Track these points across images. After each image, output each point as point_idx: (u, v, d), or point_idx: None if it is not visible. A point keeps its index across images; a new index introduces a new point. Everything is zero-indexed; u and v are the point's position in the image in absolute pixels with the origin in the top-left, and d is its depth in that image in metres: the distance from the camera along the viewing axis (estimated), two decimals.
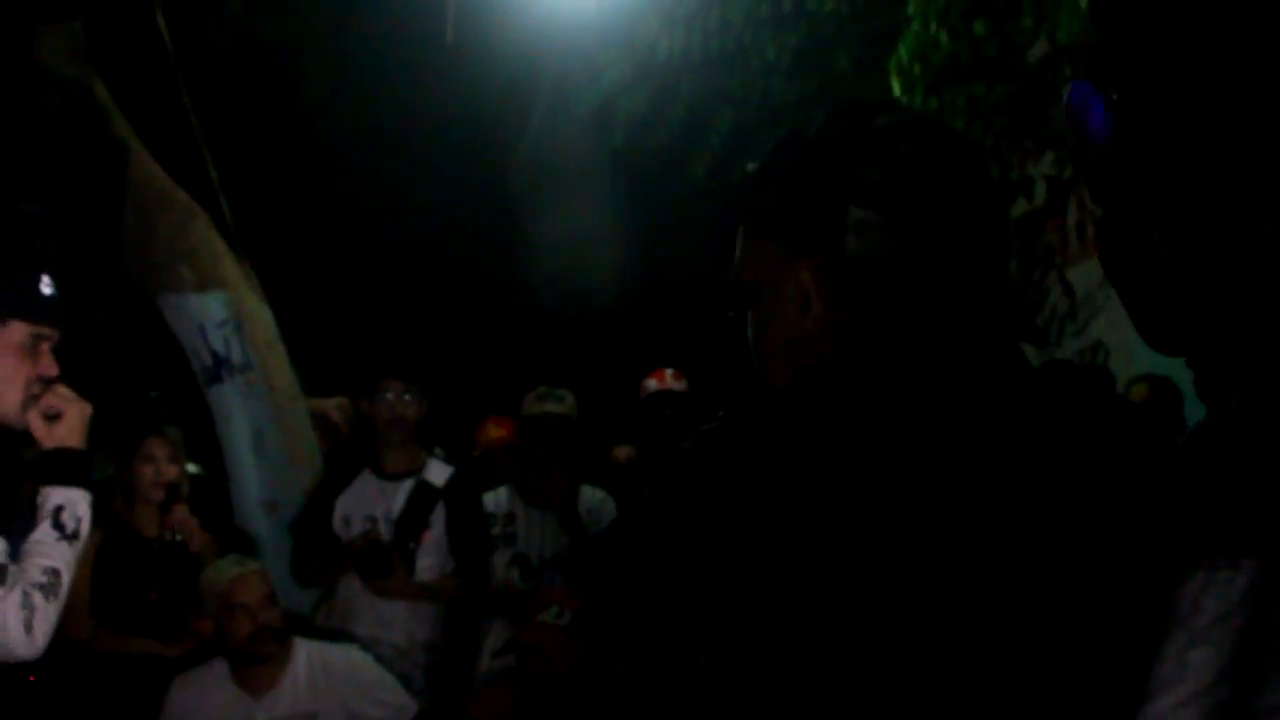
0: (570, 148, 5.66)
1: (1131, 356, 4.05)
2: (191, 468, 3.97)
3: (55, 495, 2.16)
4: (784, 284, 1.02)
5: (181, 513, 3.61)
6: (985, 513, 0.83)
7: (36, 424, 2.17)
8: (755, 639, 0.89)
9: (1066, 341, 4.74)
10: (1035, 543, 0.83)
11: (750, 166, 1.09)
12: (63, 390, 2.19)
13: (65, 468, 2.19)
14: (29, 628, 2.03)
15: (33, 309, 2.15)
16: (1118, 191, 0.68)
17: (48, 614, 2.05)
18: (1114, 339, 4.55)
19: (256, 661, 3.10)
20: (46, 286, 2.17)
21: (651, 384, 4.36)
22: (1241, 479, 0.62)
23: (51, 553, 2.10)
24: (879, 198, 0.97)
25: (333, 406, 4.52)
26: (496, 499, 3.99)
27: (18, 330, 2.15)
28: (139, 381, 4.31)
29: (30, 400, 2.17)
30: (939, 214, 0.98)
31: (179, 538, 3.58)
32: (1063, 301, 4.79)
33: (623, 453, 4.99)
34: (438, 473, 3.78)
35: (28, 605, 2.03)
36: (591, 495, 4.04)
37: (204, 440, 4.33)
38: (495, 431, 4.63)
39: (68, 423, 2.18)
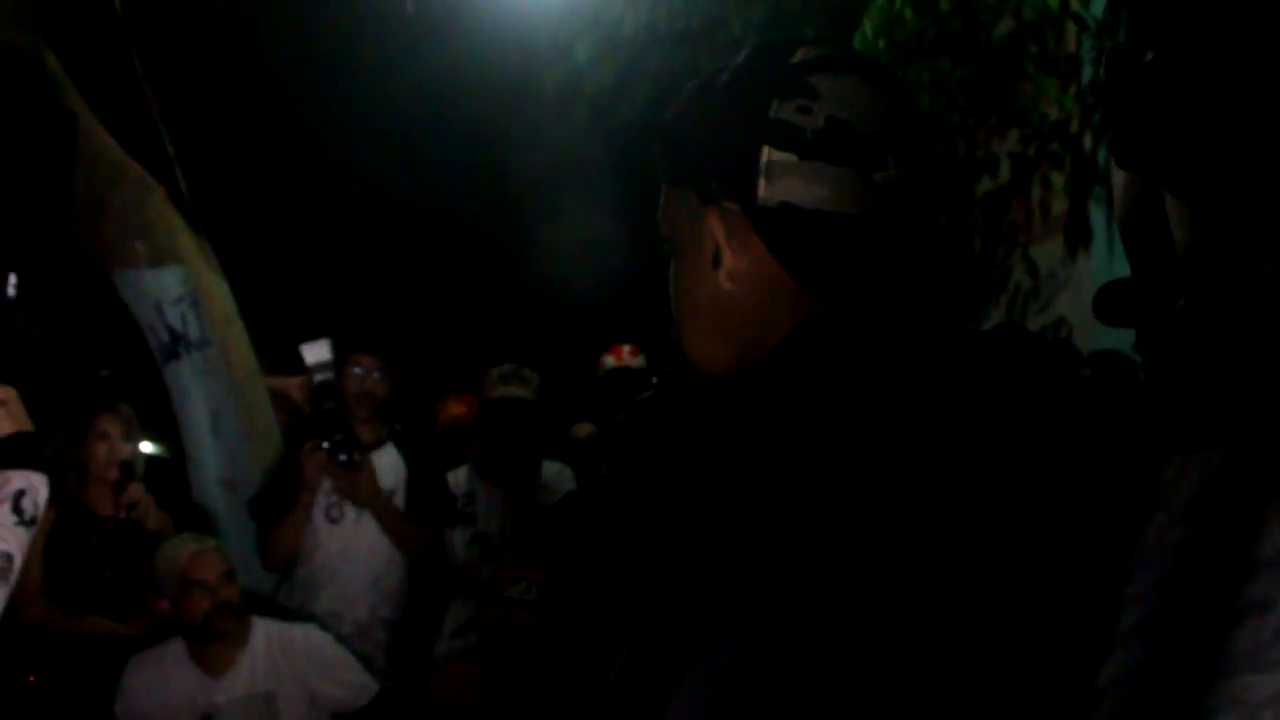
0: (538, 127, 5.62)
1: (1093, 333, 4.08)
2: (148, 446, 3.92)
3: (17, 479, 2.13)
4: (697, 235, 0.93)
5: (136, 491, 3.58)
6: (956, 504, 0.77)
7: None
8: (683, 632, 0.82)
9: (1030, 318, 4.76)
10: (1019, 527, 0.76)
11: (664, 115, 1.00)
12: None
13: (22, 451, 2.16)
14: None
15: None
16: (1145, 155, 0.67)
17: None
18: (1076, 316, 4.57)
19: (214, 640, 3.07)
20: (12, 289, 2.14)
21: (609, 361, 4.34)
22: (1199, 373, 0.62)
23: (8, 536, 2.08)
24: (793, 137, 0.88)
25: (295, 385, 4.47)
26: (456, 478, 3.96)
27: None
28: (92, 359, 4.24)
29: None
30: (861, 154, 0.89)
31: (134, 516, 3.54)
32: (1025, 279, 4.81)
33: (583, 430, 4.98)
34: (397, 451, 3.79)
35: None
36: (549, 467, 4.03)
37: (161, 418, 4.27)
38: (456, 409, 4.60)
39: (9, 409, 2.16)
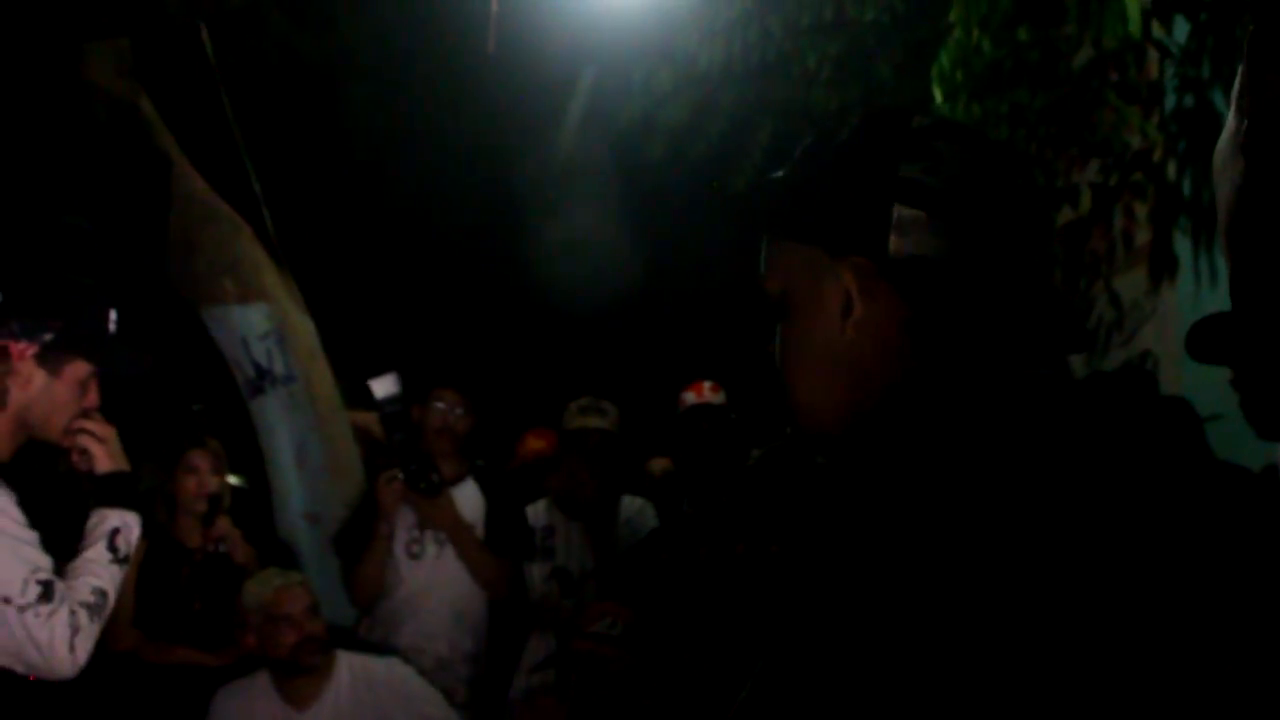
0: (602, 159, 5.67)
1: (1180, 366, 3.98)
2: (234, 480, 4.00)
3: (112, 518, 2.19)
4: (820, 289, 0.97)
5: (224, 524, 3.65)
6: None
7: (78, 458, 2.22)
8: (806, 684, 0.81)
9: (1114, 351, 4.67)
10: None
11: (775, 174, 1.04)
12: (91, 425, 2.24)
13: (119, 490, 2.22)
14: (72, 647, 2.06)
15: (99, 351, 2.21)
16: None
17: (91, 633, 2.08)
18: (1162, 348, 4.48)
19: (300, 673, 3.11)
20: (112, 324, 2.22)
21: (689, 397, 4.33)
22: None
23: (102, 574, 2.14)
24: (922, 195, 0.94)
25: (375, 420, 4.54)
26: (536, 512, 3.99)
27: (82, 369, 2.21)
28: (183, 394, 4.34)
29: (69, 435, 2.22)
30: (983, 212, 0.95)
31: (222, 549, 3.60)
32: (1109, 310, 4.72)
33: (659, 465, 4.97)
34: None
35: (74, 624, 2.06)
36: (630, 504, 4.03)
37: (247, 452, 4.35)
38: (535, 444, 4.63)
39: (109, 447, 2.23)
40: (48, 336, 2.19)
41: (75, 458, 2.25)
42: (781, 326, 1.01)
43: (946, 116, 1.01)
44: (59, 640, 2.04)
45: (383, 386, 3.69)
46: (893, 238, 0.93)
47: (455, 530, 3.70)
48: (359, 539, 3.73)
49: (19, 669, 2.05)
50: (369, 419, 4.48)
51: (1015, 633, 0.71)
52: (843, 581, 0.80)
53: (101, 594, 2.13)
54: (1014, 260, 0.95)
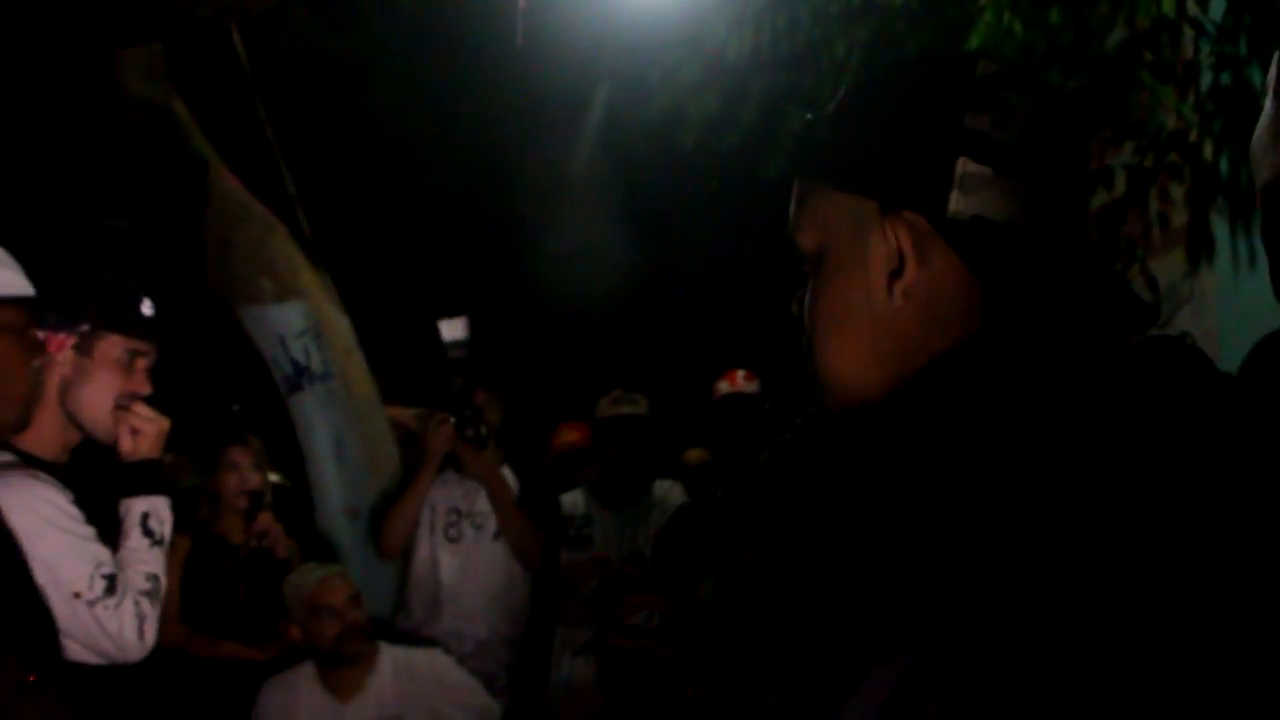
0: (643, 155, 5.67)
1: (1217, 348, 3.94)
2: (274, 476, 4.04)
3: (139, 504, 2.23)
4: (865, 247, 0.87)
5: (266, 520, 3.69)
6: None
7: (124, 439, 2.25)
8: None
9: (1151, 334, 4.62)
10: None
11: (813, 115, 0.94)
12: (141, 408, 2.27)
13: (145, 478, 2.26)
14: (141, 633, 2.12)
15: (130, 325, 2.23)
16: None
17: (154, 618, 2.15)
18: (1199, 330, 4.43)
19: (344, 664, 3.15)
20: (147, 308, 2.25)
21: (723, 386, 4.34)
22: None
23: (148, 558, 2.19)
24: (990, 150, 0.84)
25: (411, 417, 4.58)
26: (573, 501, 4.01)
27: (115, 345, 2.23)
28: (223, 393, 4.39)
29: (117, 413, 2.25)
30: (1052, 173, 0.86)
31: (264, 544, 3.65)
32: (1146, 294, 4.67)
33: (695, 455, 4.98)
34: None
35: (139, 612, 2.12)
36: (660, 486, 4.05)
37: (286, 449, 4.40)
38: (570, 435, 4.65)
39: (147, 438, 2.26)
40: (84, 327, 2.22)
41: (124, 442, 2.27)
42: (813, 285, 0.92)
43: (1012, 64, 0.88)
44: (128, 629, 2.11)
45: (451, 329, 3.76)
46: (955, 194, 0.84)
47: (494, 484, 3.74)
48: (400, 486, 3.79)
49: (93, 659, 2.11)
50: (404, 414, 4.52)
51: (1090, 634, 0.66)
52: (906, 573, 0.74)
53: (154, 578, 2.19)
54: (1077, 227, 0.88)
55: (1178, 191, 4.42)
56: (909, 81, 0.90)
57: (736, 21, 4.91)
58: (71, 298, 2.23)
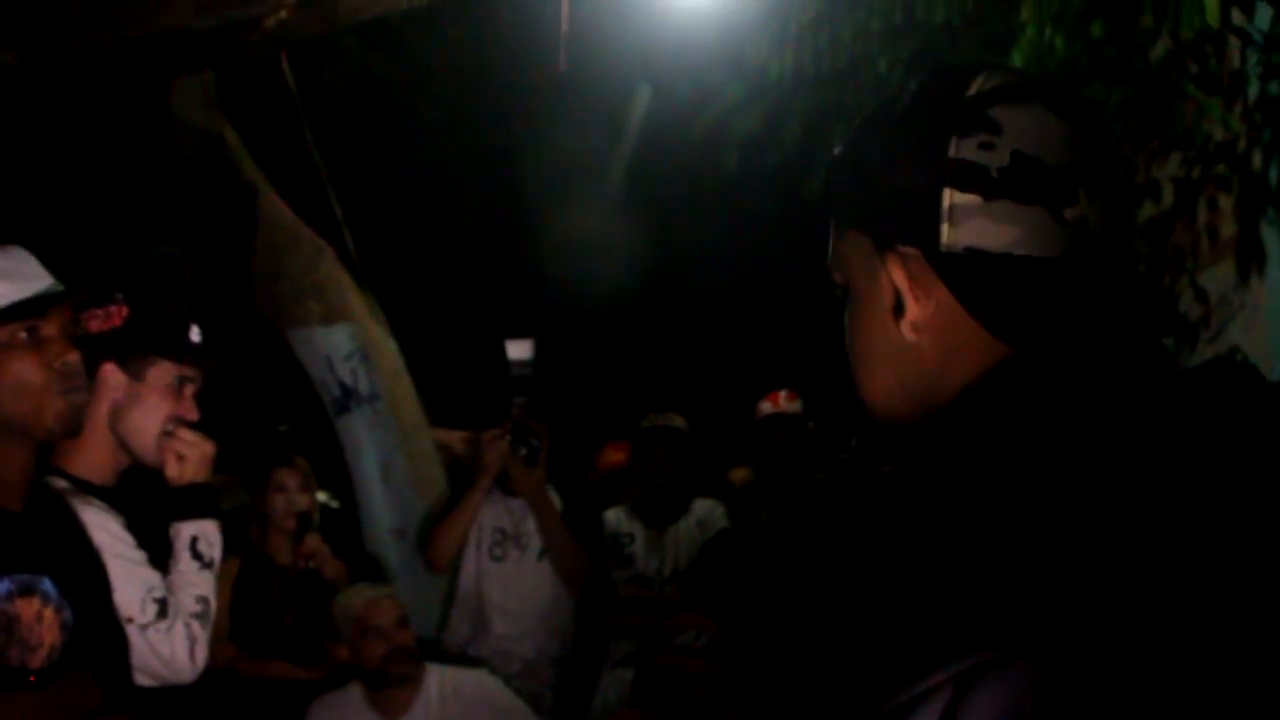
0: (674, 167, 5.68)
1: (1272, 361, 3.88)
2: (322, 497, 4.09)
3: (189, 528, 2.27)
4: (875, 284, 0.87)
5: (314, 541, 3.72)
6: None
7: (171, 464, 2.28)
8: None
9: (1201, 347, 4.56)
10: None
11: (836, 149, 0.93)
12: (187, 433, 2.30)
13: (194, 502, 2.29)
14: (193, 655, 2.15)
15: (180, 351, 2.27)
16: None
17: (205, 640, 2.18)
18: (1250, 344, 4.36)
19: (391, 684, 3.16)
20: (195, 335, 2.29)
21: (766, 407, 4.32)
22: None
23: (198, 580, 2.22)
24: (974, 177, 0.81)
25: (457, 440, 4.60)
26: (616, 519, 4.02)
27: (166, 371, 2.27)
28: (271, 414, 4.46)
29: (164, 438, 2.28)
30: (1051, 191, 0.82)
31: (312, 565, 3.68)
32: (1195, 306, 4.61)
33: (740, 475, 4.97)
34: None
35: (190, 634, 2.15)
36: (701, 505, 4.05)
37: (334, 470, 4.44)
38: (614, 455, 4.66)
39: (192, 462, 2.29)
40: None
41: (171, 467, 2.30)
42: (848, 316, 0.92)
43: (1012, 69, 0.87)
44: (180, 651, 2.14)
45: (518, 349, 3.82)
46: (944, 227, 0.82)
47: (542, 503, 3.77)
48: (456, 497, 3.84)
49: (147, 682, 2.14)
50: (450, 436, 4.56)
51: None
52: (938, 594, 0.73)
53: (204, 601, 2.21)
54: (1093, 239, 0.83)
55: (1226, 203, 4.36)
56: (896, 113, 0.88)
57: (779, 40, 4.92)
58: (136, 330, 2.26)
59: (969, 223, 0.82)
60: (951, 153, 0.83)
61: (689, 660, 3.12)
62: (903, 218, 0.84)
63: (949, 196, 0.82)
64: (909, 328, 0.86)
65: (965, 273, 0.83)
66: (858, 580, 0.84)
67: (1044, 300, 0.82)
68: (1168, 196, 4.65)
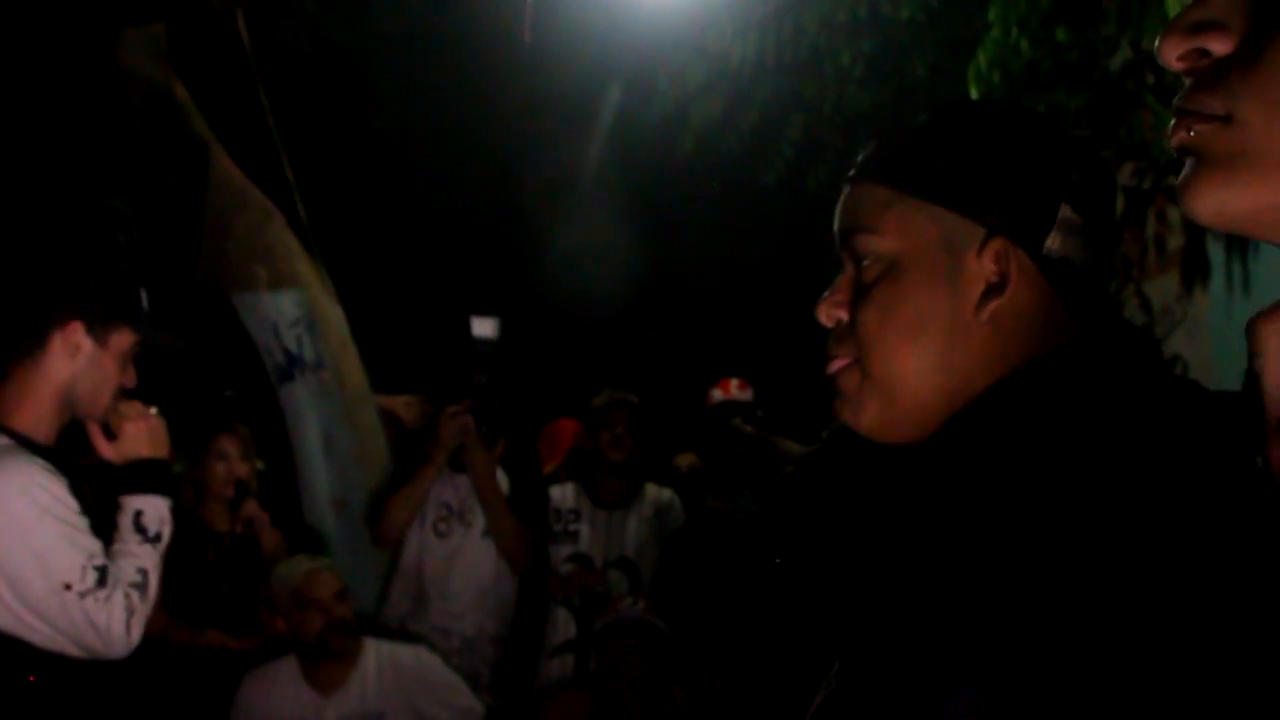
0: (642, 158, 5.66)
1: (1210, 371, 3.95)
2: (258, 464, 4.01)
3: (134, 502, 2.21)
4: (960, 262, 0.93)
5: (251, 508, 3.67)
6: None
7: (98, 435, 2.22)
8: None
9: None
10: None
11: (907, 126, 1.00)
12: (137, 406, 2.24)
13: (143, 476, 2.23)
14: (128, 628, 2.09)
15: (140, 319, 2.21)
16: None
17: (143, 614, 2.12)
18: (1192, 354, 4.45)
19: (328, 658, 3.12)
20: (144, 300, 2.23)
21: (717, 394, 4.32)
22: None
23: (139, 553, 2.16)
24: (1087, 202, 0.94)
25: (401, 404, 4.54)
26: (563, 493, 3.99)
27: (126, 337, 2.21)
28: (214, 379, 4.36)
29: (113, 410, 2.22)
30: (1112, 228, 0.97)
31: (250, 533, 3.62)
32: (1139, 315, 4.69)
33: (686, 460, 4.97)
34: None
35: (128, 605, 2.09)
36: (659, 494, 4.03)
37: (274, 438, 4.37)
38: (562, 434, 4.63)
39: (141, 436, 2.23)
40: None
41: (99, 441, 2.24)
42: (877, 289, 0.95)
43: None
44: (116, 622, 2.08)
45: (482, 326, 3.81)
46: (1054, 234, 0.93)
47: (488, 482, 3.73)
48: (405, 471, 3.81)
49: (74, 652, 2.08)
50: (395, 402, 4.49)
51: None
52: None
53: (144, 573, 2.16)
54: (1112, 273, 0.98)
55: (1175, 215, 4.43)
56: (1021, 121, 0.99)
57: (742, 27, 4.90)
58: (74, 284, 2.20)
59: (1071, 238, 0.93)
60: (1069, 175, 0.94)
61: (626, 619, 3.15)
62: (1021, 215, 0.93)
63: (1065, 210, 0.93)
64: (990, 312, 0.92)
65: (1062, 278, 0.93)
66: (862, 579, 0.84)
67: (1104, 312, 0.95)
68: (1119, 205, 4.69)
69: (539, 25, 4.61)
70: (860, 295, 0.96)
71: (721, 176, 5.66)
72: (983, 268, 0.92)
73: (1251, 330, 0.58)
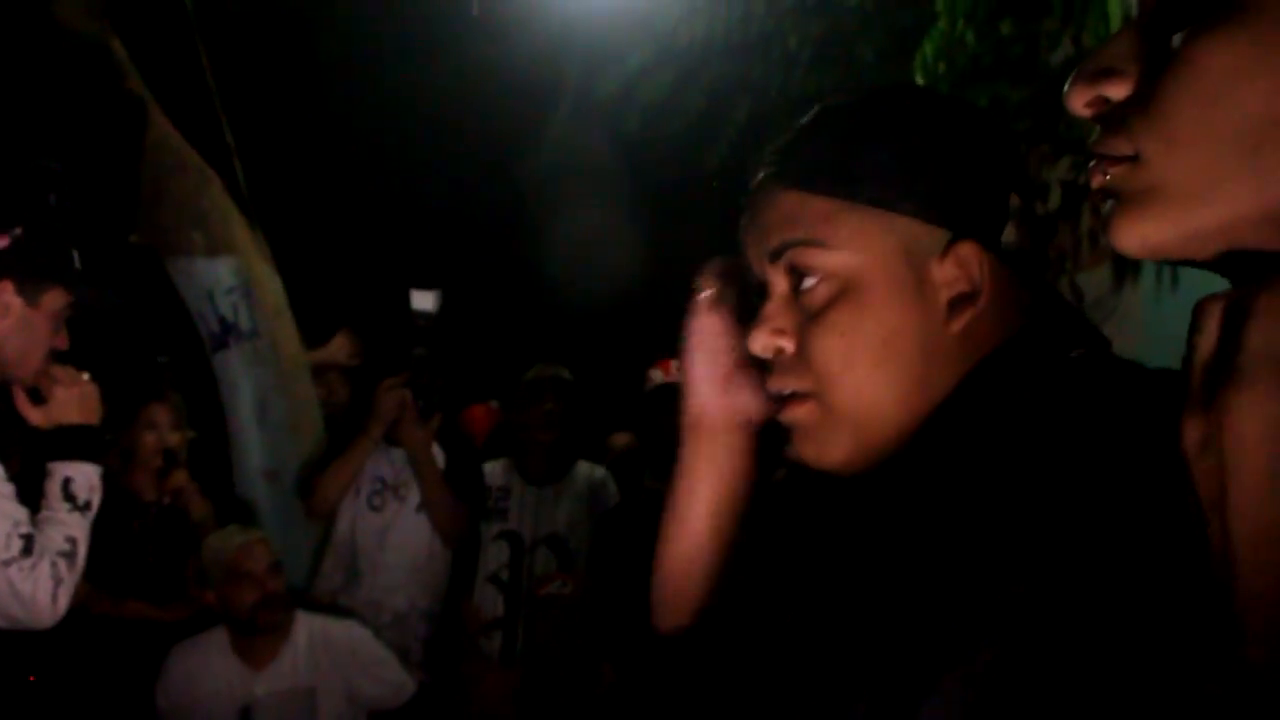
0: (589, 136, 5.63)
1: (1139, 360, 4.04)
2: (188, 433, 3.95)
3: (63, 469, 2.16)
4: (922, 273, 0.86)
5: (180, 478, 3.61)
6: None
7: (23, 400, 2.17)
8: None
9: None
10: None
11: (833, 119, 0.91)
12: (69, 372, 2.19)
13: (72, 443, 2.19)
14: (55, 598, 2.05)
15: (71, 278, 2.16)
16: None
17: (70, 583, 2.08)
18: (1122, 346, 4.53)
19: (258, 632, 3.09)
20: (77, 261, 2.18)
21: (657, 375, 4.32)
22: None
23: (68, 521, 2.12)
24: (1026, 186, 0.91)
25: (334, 349, 4.42)
26: (493, 471, 3.97)
27: (59, 297, 2.16)
28: (146, 345, 4.28)
29: (43, 374, 2.17)
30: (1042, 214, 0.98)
31: (178, 503, 3.57)
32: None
33: (621, 440, 4.97)
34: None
35: (55, 575, 2.05)
36: (591, 472, 4.02)
37: (207, 406, 4.30)
38: (475, 420, 4.63)
39: (63, 400, 2.18)
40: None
41: (24, 406, 2.19)
42: (836, 313, 0.87)
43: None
44: (42, 592, 2.03)
45: (422, 299, 3.77)
46: (1008, 227, 0.88)
47: (423, 456, 3.72)
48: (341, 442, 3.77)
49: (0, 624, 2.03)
50: (328, 352, 4.40)
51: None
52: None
53: (73, 541, 2.12)
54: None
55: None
56: (958, 111, 0.91)
57: (690, 8, 4.90)
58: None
59: (1019, 226, 0.89)
60: (1012, 162, 0.91)
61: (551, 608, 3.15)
62: (982, 210, 0.88)
63: (1014, 200, 0.89)
64: (962, 320, 0.87)
65: (1020, 268, 0.89)
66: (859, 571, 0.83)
67: (1049, 296, 0.91)
68: (1055, 199, 4.79)
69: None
70: (812, 320, 0.88)
71: (666, 157, 5.65)
72: (947, 275, 0.86)
73: (1198, 307, 0.59)
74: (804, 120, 0.93)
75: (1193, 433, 0.56)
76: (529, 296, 6.70)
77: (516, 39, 5.27)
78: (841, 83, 4.94)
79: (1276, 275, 0.56)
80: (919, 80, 4.24)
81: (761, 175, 0.93)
